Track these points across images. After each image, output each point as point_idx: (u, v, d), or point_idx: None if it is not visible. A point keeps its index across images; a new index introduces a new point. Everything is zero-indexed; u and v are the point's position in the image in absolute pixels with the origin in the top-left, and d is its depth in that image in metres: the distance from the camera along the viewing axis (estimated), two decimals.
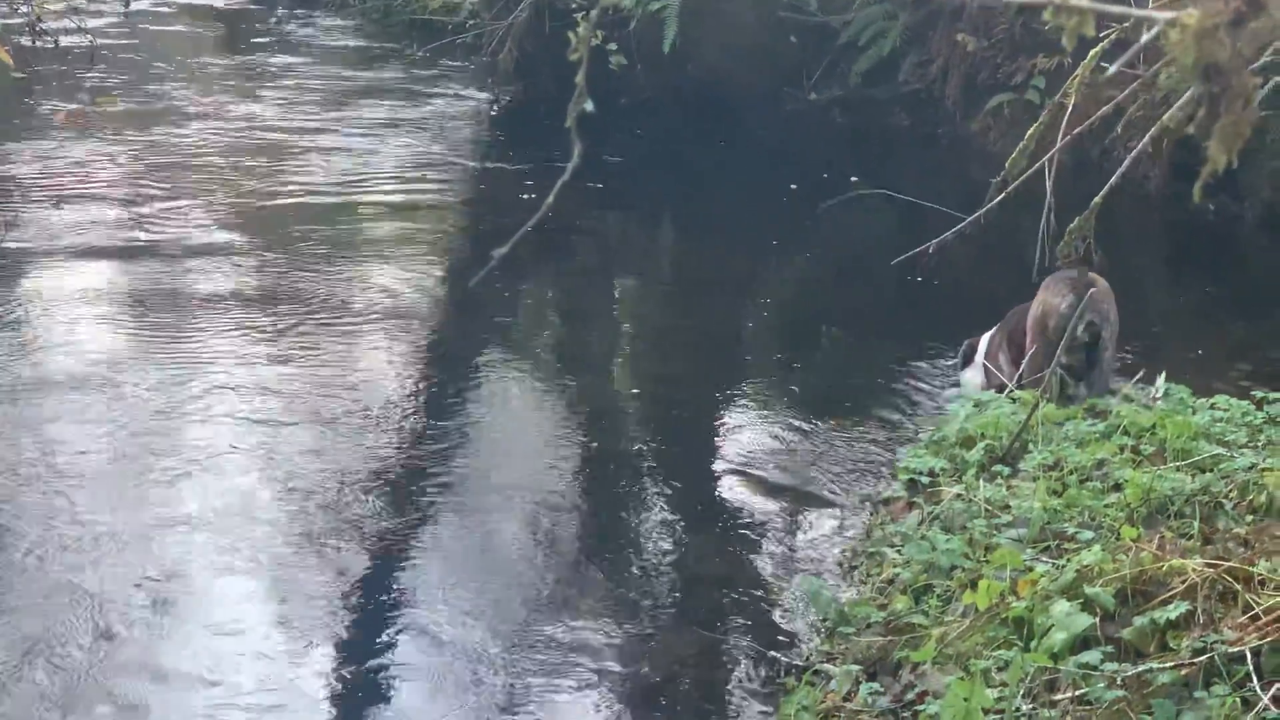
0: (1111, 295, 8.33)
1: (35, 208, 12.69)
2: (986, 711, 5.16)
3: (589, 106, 2.99)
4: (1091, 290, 8.14)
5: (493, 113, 17.63)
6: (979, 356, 9.13)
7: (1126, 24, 6.23)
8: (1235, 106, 1.96)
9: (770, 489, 8.26)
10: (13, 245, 11.69)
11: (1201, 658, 5.02)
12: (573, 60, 2.82)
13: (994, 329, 9.12)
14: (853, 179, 14.19)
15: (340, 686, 6.33)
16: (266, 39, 21.65)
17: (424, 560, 7.35)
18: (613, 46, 14.67)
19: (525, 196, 13.51)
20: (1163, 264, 12.73)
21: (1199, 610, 5.27)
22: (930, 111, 16.03)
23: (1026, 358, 8.45)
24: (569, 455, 8.66)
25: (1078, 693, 5.13)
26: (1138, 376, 8.96)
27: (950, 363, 9.61)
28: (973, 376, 9.14)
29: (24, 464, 8.13)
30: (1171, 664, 5.05)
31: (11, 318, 10.27)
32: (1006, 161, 7.09)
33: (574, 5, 15.77)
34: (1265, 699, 4.76)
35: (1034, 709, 5.20)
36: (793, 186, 14.35)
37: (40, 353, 9.70)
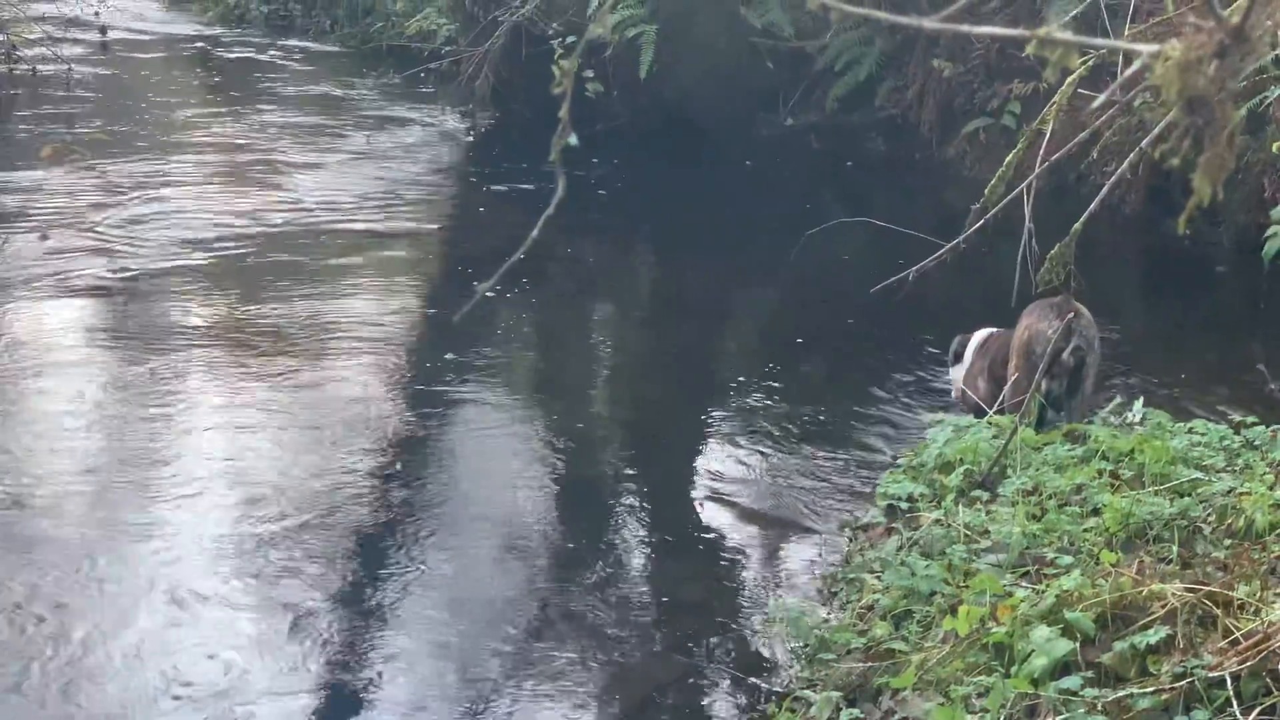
0: (1094, 323, 8.36)
1: (20, 237, 12.66)
2: None
3: (573, 140, 2.99)
4: (1078, 316, 8.17)
5: (469, 138, 17.64)
6: (968, 353, 9.17)
7: (1103, 51, 6.26)
8: (1219, 138, 1.97)
9: (749, 515, 8.26)
10: None
11: (1182, 683, 5.02)
12: (556, 93, 2.81)
13: (984, 336, 9.12)
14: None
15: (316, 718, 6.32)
16: (243, 66, 21.64)
17: (401, 587, 7.32)
18: (590, 74, 14.71)
19: (502, 222, 13.53)
20: (1139, 288, 12.77)
21: (1179, 635, 5.27)
22: (906, 137, 16.08)
23: (1010, 383, 8.46)
24: (547, 481, 8.65)
25: (1058, 718, 5.12)
26: (1115, 401, 8.98)
27: (942, 365, 9.62)
28: (956, 375, 9.22)
29: (6, 490, 8.10)
30: (1152, 689, 5.05)
31: None
32: (985, 188, 7.11)
33: (550, 32, 15.83)
34: None
35: None
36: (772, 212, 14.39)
37: (24, 380, 9.68)
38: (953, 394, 9.47)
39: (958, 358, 9.34)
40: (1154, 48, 1.89)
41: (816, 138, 16.60)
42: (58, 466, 8.48)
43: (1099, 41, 2.17)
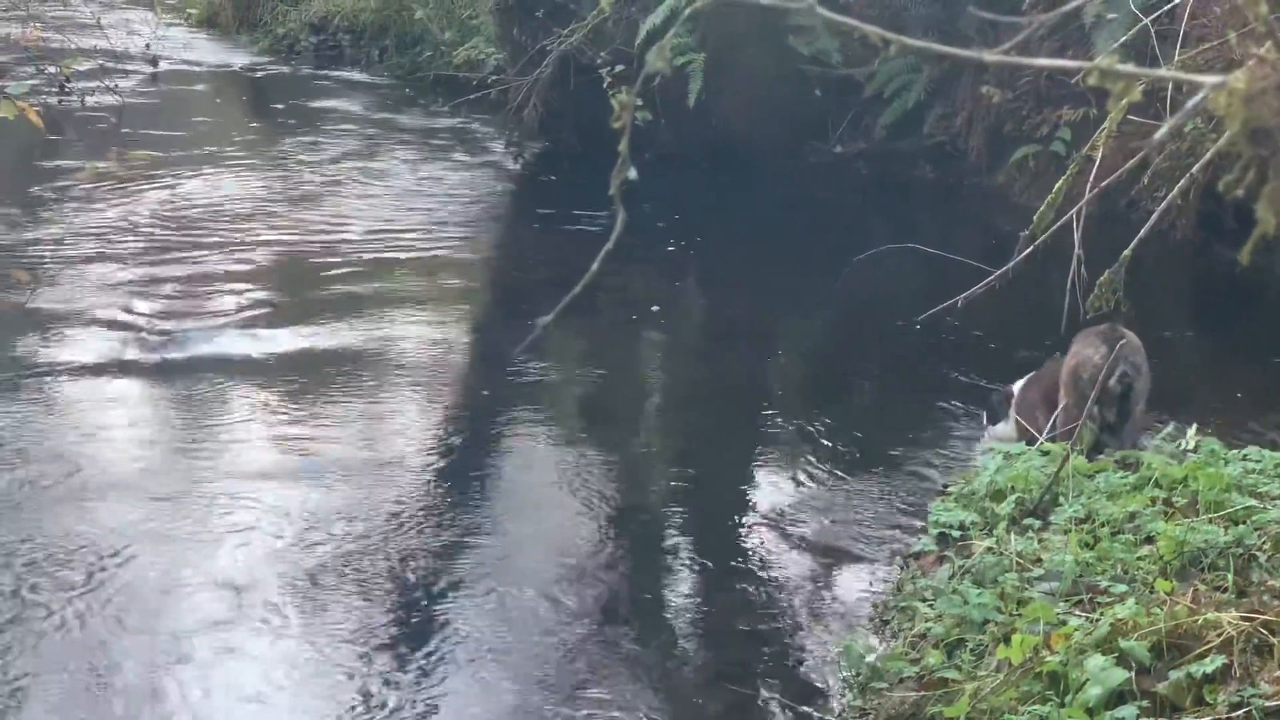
0: (1142, 349, 8.32)
1: (63, 266, 12.73)
2: None
3: (632, 174, 3.00)
4: (1124, 342, 8.14)
5: (517, 167, 17.68)
6: (1011, 410, 9.06)
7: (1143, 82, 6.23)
8: None
9: (800, 543, 8.24)
10: (42, 305, 11.73)
11: (1238, 712, 4.99)
12: (615, 127, 2.82)
13: (1026, 379, 9.07)
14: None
15: None
16: (292, 97, 21.75)
17: (450, 616, 7.33)
18: (638, 102, 14.67)
19: (551, 251, 13.58)
20: (1190, 314, 12.69)
21: (1235, 664, 5.25)
22: (955, 164, 16.04)
23: (1059, 410, 8.42)
24: (596, 510, 8.64)
25: None
26: (1168, 428, 8.93)
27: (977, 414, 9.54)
28: (1005, 430, 9.05)
29: (55, 518, 8.14)
30: (1208, 718, 5.02)
31: (39, 375, 10.31)
32: (1034, 215, 7.09)
33: (598, 61, 15.84)
34: None
35: None
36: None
37: (68, 410, 9.74)
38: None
39: (995, 417, 9.20)
40: (1217, 79, 1.88)
41: (865, 165, 16.58)
42: (106, 494, 8.52)
43: (1162, 73, 2.16)
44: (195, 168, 16.88)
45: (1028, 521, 7.38)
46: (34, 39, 15.61)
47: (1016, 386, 9.10)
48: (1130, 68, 1.93)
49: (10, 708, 6.41)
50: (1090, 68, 2.00)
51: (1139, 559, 6.55)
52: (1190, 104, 2.07)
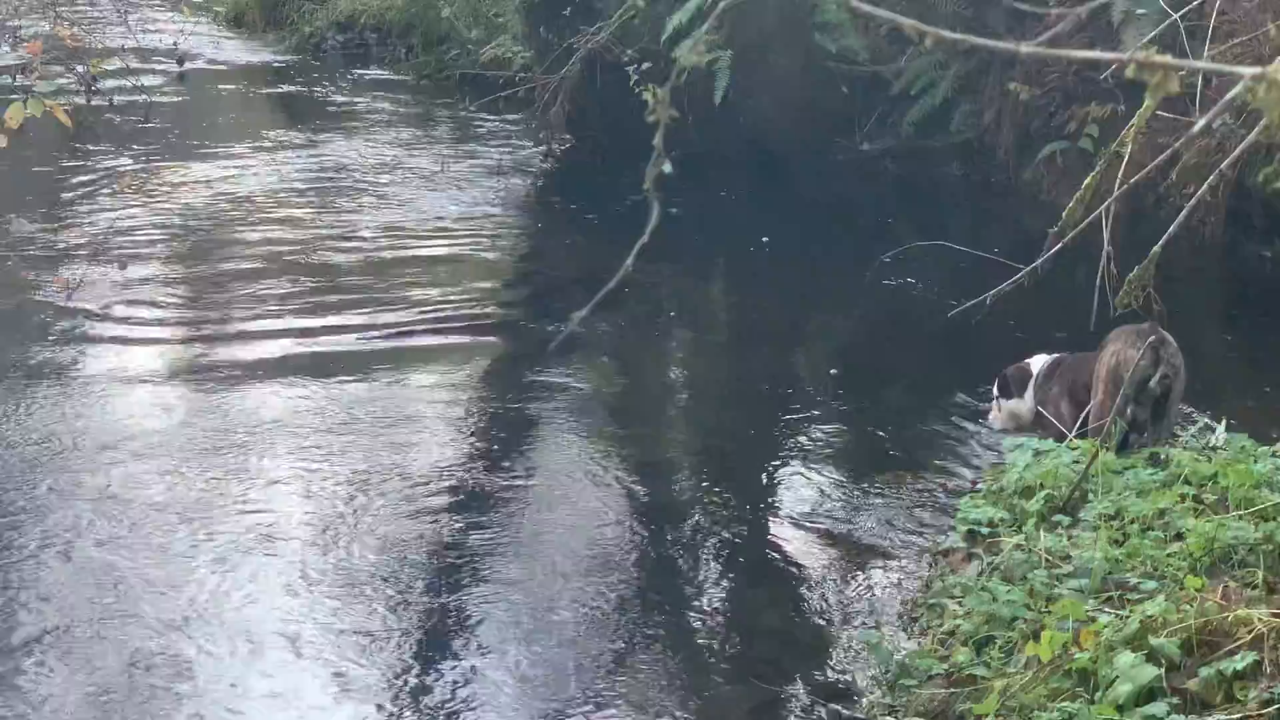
0: (1179, 349, 8.28)
1: (99, 268, 12.76)
2: None
3: (667, 169, 3.00)
4: (1166, 343, 8.11)
5: (544, 164, 17.67)
6: (1030, 389, 9.00)
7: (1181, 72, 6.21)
8: None
9: (828, 540, 8.23)
10: (77, 304, 11.77)
11: (1269, 709, 4.98)
12: (650, 122, 2.83)
13: (1048, 361, 9.01)
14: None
15: None
16: (319, 95, 21.79)
17: (480, 615, 7.34)
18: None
19: (578, 248, 13.59)
20: (1219, 311, 12.65)
21: (1265, 661, 5.23)
22: (983, 161, 16.00)
23: (1092, 405, 8.37)
24: (625, 508, 8.65)
25: None
26: (1197, 425, 8.90)
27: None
28: (1018, 406, 8.99)
29: (82, 526, 8.17)
30: (1239, 715, 5.02)
31: (73, 377, 10.35)
32: (1063, 211, 7.07)
33: (625, 59, 15.84)
34: None
35: None
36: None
37: (98, 412, 9.78)
38: (997, 424, 9.26)
39: (1009, 391, 9.14)
40: (1255, 70, 1.87)
41: (893, 162, 16.54)
42: (119, 505, 8.53)
43: (1199, 64, 2.16)
44: (221, 166, 16.93)
45: (1057, 518, 7.36)
46: (64, 36, 15.65)
47: (1034, 363, 9.05)
48: (1168, 59, 1.92)
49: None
50: (1128, 59, 1.99)
51: (1168, 556, 6.54)
52: (1227, 96, 2.05)
